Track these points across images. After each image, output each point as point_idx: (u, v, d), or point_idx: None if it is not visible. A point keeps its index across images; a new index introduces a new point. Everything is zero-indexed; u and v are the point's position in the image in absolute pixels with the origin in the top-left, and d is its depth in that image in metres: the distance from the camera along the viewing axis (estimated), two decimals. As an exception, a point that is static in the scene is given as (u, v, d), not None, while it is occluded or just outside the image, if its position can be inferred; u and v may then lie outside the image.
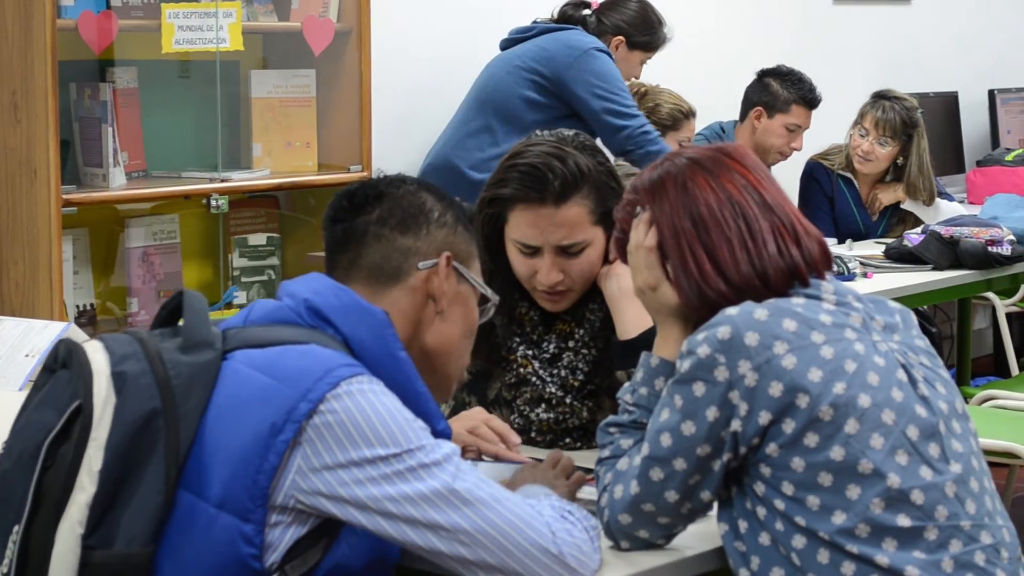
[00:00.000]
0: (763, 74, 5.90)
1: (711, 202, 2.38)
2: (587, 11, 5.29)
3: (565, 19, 5.26)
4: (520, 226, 2.91)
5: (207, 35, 4.38)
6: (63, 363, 2.18)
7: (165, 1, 4.31)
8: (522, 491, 2.31)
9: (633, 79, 5.38)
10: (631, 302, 2.86)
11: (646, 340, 2.86)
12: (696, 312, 2.38)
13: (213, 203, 4.39)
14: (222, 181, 4.46)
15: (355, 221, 2.34)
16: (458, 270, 2.37)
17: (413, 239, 2.33)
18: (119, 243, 4.47)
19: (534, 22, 5.26)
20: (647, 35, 5.32)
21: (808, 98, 5.85)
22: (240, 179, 4.51)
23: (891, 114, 5.84)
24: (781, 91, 5.84)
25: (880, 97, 5.93)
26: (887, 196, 5.96)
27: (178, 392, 2.12)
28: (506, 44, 5.25)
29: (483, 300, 2.44)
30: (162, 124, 4.61)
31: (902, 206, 5.96)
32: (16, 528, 2.09)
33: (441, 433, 2.23)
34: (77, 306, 4.33)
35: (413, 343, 2.32)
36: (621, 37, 5.28)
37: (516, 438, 2.79)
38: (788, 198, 2.45)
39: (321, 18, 4.67)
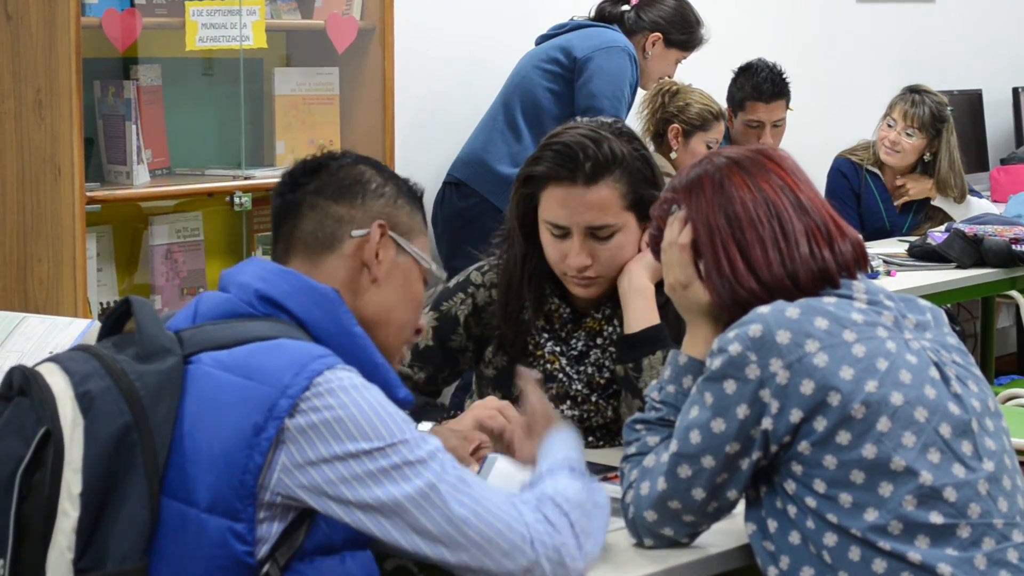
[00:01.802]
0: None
1: (747, 201, 2.39)
2: (626, 7, 5.29)
3: (603, 16, 5.26)
4: (551, 206, 2.91)
5: (231, 33, 4.38)
6: (20, 390, 2.14)
7: (189, -1, 4.32)
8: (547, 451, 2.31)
9: (666, 76, 5.37)
10: (638, 298, 2.87)
11: (648, 336, 2.88)
12: (727, 311, 2.38)
13: (236, 200, 4.39)
14: (245, 179, 4.46)
15: (294, 194, 2.33)
16: (397, 241, 2.34)
17: (348, 208, 2.31)
18: (143, 240, 4.48)
19: (572, 19, 5.26)
20: (685, 34, 5.31)
21: (760, 91, 5.74)
22: (263, 176, 4.51)
23: (920, 108, 5.83)
24: (735, 91, 5.81)
25: (911, 91, 5.90)
26: (916, 189, 5.93)
27: (146, 403, 2.10)
28: (540, 40, 5.25)
29: (426, 282, 2.40)
30: (186, 122, 4.61)
31: (932, 202, 5.93)
32: (1, 563, 2.07)
33: (402, 401, 2.20)
34: (101, 303, 4.34)
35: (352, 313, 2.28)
36: (659, 34, 5.28)
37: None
38: (824, 201, 2.44)
39: (344, 16, 4.67)
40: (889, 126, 5.88)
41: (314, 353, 2.14)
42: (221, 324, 2.21)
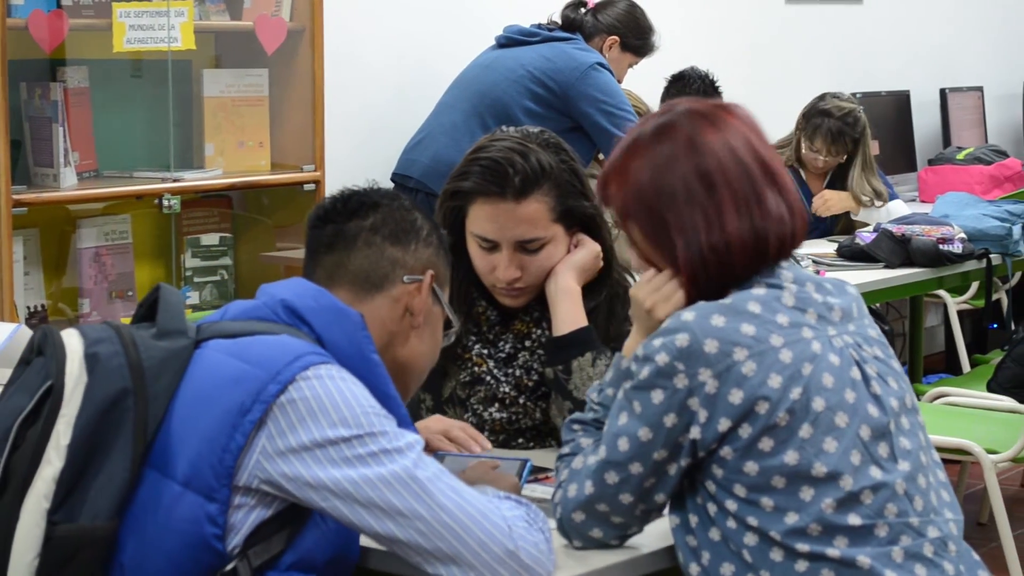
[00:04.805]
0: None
1: (721, 155, 2.33)
2: (583, 10, 5.32)
3: (569, 23, 5.28)
4: (480, 220, 2.91)
5: (159, 34, 4.36)
6: (38, 350, 2.22)
7: (116, 0, 4.28)
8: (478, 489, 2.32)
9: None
10: (566, 300, 2.88)
11: (577, 338, 2.89)
12: (698, 278, 2.33)
13: (165, 203, 4.37)
14: (174, 181, 4.44)
15: (347, 225, 2.40)
16: (435, 291, 2.44)
17: (402, 252, 2.40)
18: (70, 243, 4.44)
19: (538, 26, 5.26)
20: (640, 39, 5.37)
21: None
22: (192, 179, 4.49)
23: (840, 136, 5.87)
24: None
25: (826, 114, 5.90)
26: (838, 205, 5.97)
27: (148, 374, 2.17)
28: (505, 43, 5.24)
29: (447, 325, 2.50)
30: (114, 124, 4.58)
31: (853, 217, 5.98)
32: None
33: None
34: (28, 307, 4.30)
35: (385, 353, 2.36)
36: (615, 37, 5.32)
37: (486, 443, 2.80)
38: (783, 164, 2.42)
39: (273, 17, 4.65)
40: (813, 151, 5.92)
41: (312, 349, 2.21)
42: (240, 322, 2.30)
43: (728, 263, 2.32)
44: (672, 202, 2.33)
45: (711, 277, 2.32)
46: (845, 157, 5.94)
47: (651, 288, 2.39)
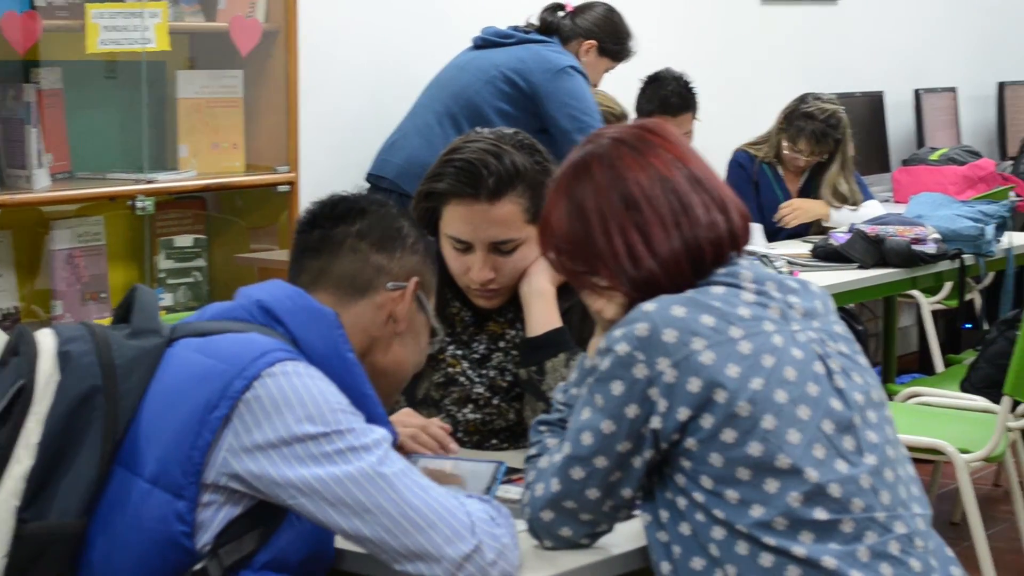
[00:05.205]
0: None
1: (641, 180, 2.37)
2: (561, 13, 5.33)
3: (546, 26, 5.29)
4: (454, 221, 2.92)
5: (133, 35, 4.35)
6: (14, 350, 2.22)
7: (90, 1, 4.27)
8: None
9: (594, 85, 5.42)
10: (540, 301, 2.89)
11: (550, 339, 2.89)
12: (635, 298, 2.35)
13: (139, 204, 4.36)
14: (148, 182, 4.43)
15: (334, 230, 2.41)
16: (420, 299, 2.45)
17: (387, 259, 2.41)
18: (43, 245, 4.43)
19: (514, 28, 5.26)
20: (618, 44, 5.38)
21: (667, 105, 5.78)
22: (166, 180, 4.49)
23: (824, 138, 5.90)
24: (643, 103, 5.86)
25: (808, 116, 5.93)
26: (806, 215, 5.97)
27: (120, 372, 2.18)
28: (480, 44, 5.25)
29: (432, 333, 2.52)
30: (87, 125, 4.57)
31: (824, 224, 5.99)
32: None
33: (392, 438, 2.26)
34: (0, 309, 4.29)
35: (365, 357, 2.38)
36: (593, 41, 5.32)
37: (455, 446, 2.80)
38: (714, 171, 2.44)
39: (248, 19, 4.65)
40: (795, 152, 5.94)
41: (280, 345, 2.22)
42: (213, 321, 2.31)
43: (664, 283, 2.34)
44: (593, 238, 2.37)
45: (650, 296, 2.33)
46: (826, 156, 5.97)
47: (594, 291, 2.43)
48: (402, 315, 2.42)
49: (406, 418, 2.78)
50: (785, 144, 5.96)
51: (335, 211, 2.44)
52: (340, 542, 2.28)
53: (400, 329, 2.43)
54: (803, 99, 5.99)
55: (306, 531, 2.23)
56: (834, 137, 5.92)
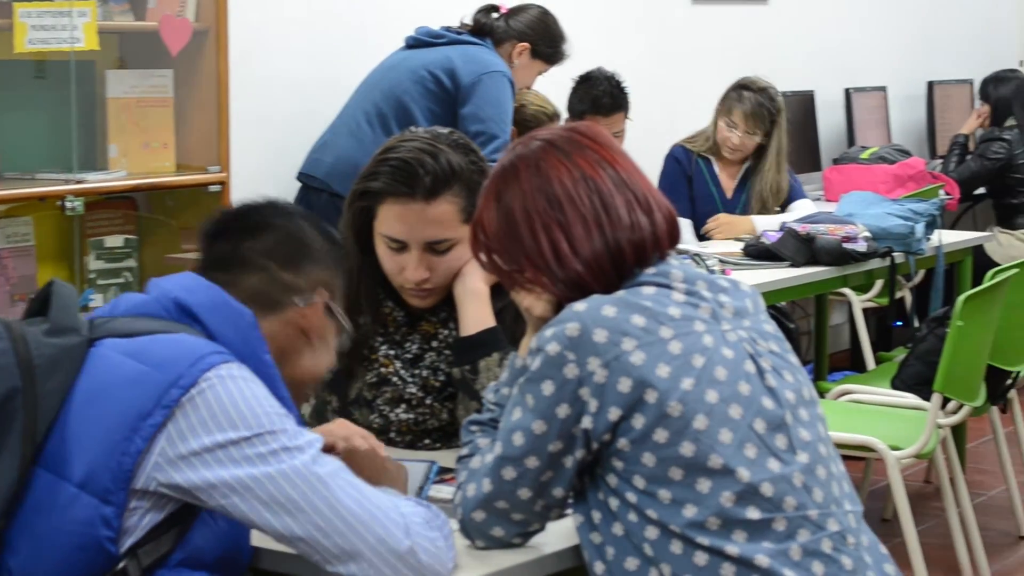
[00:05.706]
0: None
1: (565, 180, 2.38)
2: (495, 14, 5.32)
3: (480, 28, 5.28)
4: (389, 221, 2.91)
5: (61, 35, 4.31)
6: None
7: (17, 0, 4.24)
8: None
9: (526, 88, 5.41)
10: (474, 301, 2.89)
11: (484, 339, 2.89)
12: (565, 297, 2.37)
13: (68, 205, 4.32)
14: (77, 182, 4.39)
15: (240, 246, 2.38)
16: (329, 307, 2.43)
17: (293, 276, 2.39)
18: (-28, 246, 4.40)
19: (447, 29, 5.25)
20: (551, 47, 5.39)
21: (599, 105, 5.79)
22: (96, 180, 4.45)
23: (760, 110, 5.93)
24: (575, 102, 5.86)
25: (744, 88, 5.99)
26: (730, 232, 5.96)
27: (39, 372, 2.15)
28: (412, 43, 5.23)
29: (341, 331, 2.50)
30: (16, 125, 4.53)
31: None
32: None
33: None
34: (-71, 310, 4.25)
35: (278, 367, 2.35)
36: (526, 44, 5.33)
37: (383, 449, 2.79)
38: (643, 173, 2.46)
39: (178, 18, 4.62)
40: (730, 128, 5.97)
41: (211, 348, 2.20)
42: (132, 319, 2.26)
43: (590, 283, 2.35)
44: (521, 238, 2.38)
45: (579, 296, 2.34)
46: (762, 136, 5.97)
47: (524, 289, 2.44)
48: (313, 328, 2.41)
49: (337, 428, 2.77)
50: (722, 120, 5.99)
51: (241, 224, 2.41)
52: (260, 540, 2.27)
53: (312, 341, 2.42)
54: (740, 85, 6.03)
55: (220, 529, 2.22)
56: (769, 111, 5.94)
